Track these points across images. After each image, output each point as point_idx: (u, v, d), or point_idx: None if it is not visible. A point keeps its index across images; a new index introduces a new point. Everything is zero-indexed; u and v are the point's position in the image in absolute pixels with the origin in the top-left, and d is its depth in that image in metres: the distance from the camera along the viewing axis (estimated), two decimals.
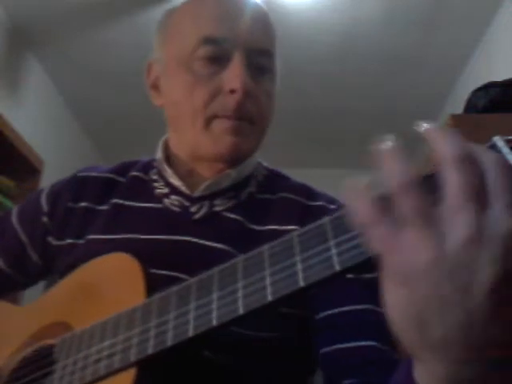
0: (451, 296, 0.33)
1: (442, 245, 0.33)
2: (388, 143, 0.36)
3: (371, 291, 0.60)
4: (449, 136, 0.35)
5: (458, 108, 1.78)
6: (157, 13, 2.31)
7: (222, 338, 0.59)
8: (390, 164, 0.36)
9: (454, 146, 0.35)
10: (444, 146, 0.35)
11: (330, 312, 0.63)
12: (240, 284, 0.45)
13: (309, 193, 0.76)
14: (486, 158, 0.35)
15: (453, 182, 0.34)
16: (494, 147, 0.36)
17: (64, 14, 2.40)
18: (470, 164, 0.34)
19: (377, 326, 0.60)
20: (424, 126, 0.37)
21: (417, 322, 0.34)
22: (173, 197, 0.74)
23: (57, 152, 2.95)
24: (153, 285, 0.57)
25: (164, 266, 0.63)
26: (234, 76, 0.68)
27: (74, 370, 0.56)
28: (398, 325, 0.35)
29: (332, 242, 0.40)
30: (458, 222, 0.33)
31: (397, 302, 0.35)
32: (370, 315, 0.62)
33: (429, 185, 0.36)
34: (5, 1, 2.36)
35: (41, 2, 2.34)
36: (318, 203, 0.73)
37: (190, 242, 0.69)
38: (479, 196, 0.33)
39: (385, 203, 0.36)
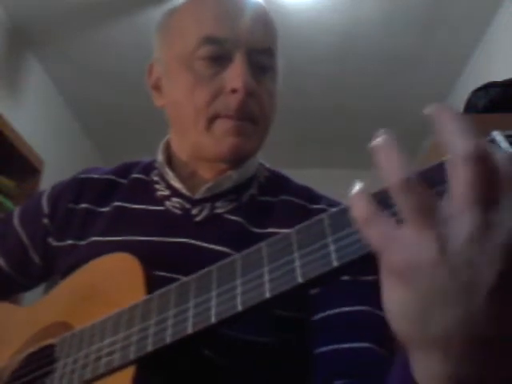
0: (454, 294, 0.32)
1: (445, 243, 0.32)
2: (385, 138, 0.35)
3: (368, 293, 0.60)
4: (462, 127, 0.33)
5: (458, 108, 1.78)
6: (157, 13, 2.31)
7: (221, 342, 0.59)
8: (387, 160, 0.34)
9: (466, 141, 0.33)
10: (455, 139, 0.33)
11: (326, 313, 0.63)
12: (239, 281, 0.45)
13: (310, 195, 0.75)
14: (501, 156, 0.33)
15: (461, 181, 0.32)
16: (492, 142, 0.36)
17: (64, 13, 2.40)
18: (482, 162, 0.32)
19: (373, 327, 0.60)
20: (434, 109, 0.35)
21: (418, 319, 0.33)
22: (174, 199, 0.74)
23: (57, 152, 2.95)
24: (154, 285, 0.57)
25: (165, 268, 0.63)
26: (235, 75, 0.68)
27: (75, 369, 0.56)
28: (397, 322, 0.35)
29: (330, 239, 0.40)
30: (462, 221, 0.32)
31: (397, 300, 0.34)
32: (367, 317, 0.62)
33: (430, 177, 0.35)
34: (5, 1, 2.36)
35: (41, 2, 2.34)
36: (319, 206, 0.73)
37: (191, 244, 0.69)
38: (487, 196, 0.32)
39: (384, 198, 0.36)
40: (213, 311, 0.46)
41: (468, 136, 0.33)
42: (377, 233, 0.34)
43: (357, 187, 0.36)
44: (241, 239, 0.68)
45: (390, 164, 0.34)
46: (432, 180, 0.35)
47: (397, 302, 0.34)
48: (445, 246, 0.32)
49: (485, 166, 0.32)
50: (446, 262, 0.32)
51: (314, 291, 0.64)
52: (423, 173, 0.35)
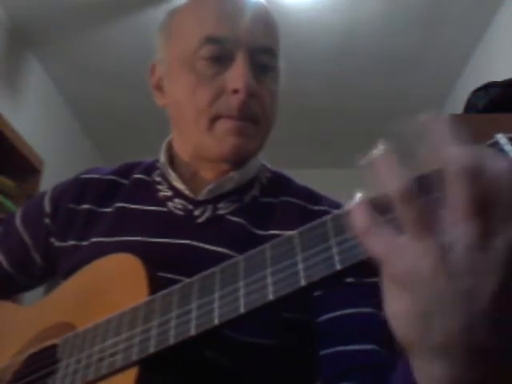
0: (454, 302, 0.33)
1: (445, 252, 0.33)
2: (383, 150, 0.35)
3: (372, 295, 0.60)
4: (456, 138, 0.33)
5: (458, 108, 1.78)
6: (157, 13, 2.31)
7: (224, 343, 0.59)
8: (386, 172, 0.35)
9: (462, 155, 0.32)
10: (450, 153, 0.33)
11: (331, 315, 0.63)
12: (241, 283, 0.45)
13: (312, 197, 0.75)
14: (498, 165, 0.33)
15: (458, 193, 0.33)
16: (496, 145, 0.36)
17: (64, 13, 2.40)
18: (478, 177, 0.32)
19: (377, 329, 0.60)
20: (427, 119, 0.35)
21: (419, 325, 0.34)
22: (176, 200, 0.74)
23: (57, 152, 2.95)
24: (156, 285, 0.57)
25: (167, 269, 0.63)
26: (237, 76, 0.67)
27: (77, 369, 0.56)
28: (399, 328, 0.35)
29: (333, 241, 0.40)
30: (461, 231, 0.33)
31: (398, 306, 0.35)
32: (370, 319, 0.62)
33: (427, 183, 0.35)
34: (5, 1, 2.36)
35: (41, 2, 2.34)
36: (321, 208, 0.73)
37: (193, 245, 0.69)
38: (484, 208, 0.32)
39: (384, 206, 0.36)
40: (216, 313, 0.46)
41: (463, 148, 0.33)
42: (377, 243, 0.35)
43: (357, 197, 0.37)
44: (243, 241, 0.68)
45: (389, 175, 0.34)
46: (430, 186, 0.35)
47: (398, 309, 0.35)
48: (445, 255, 0.33)
49: (481, 179, 0.32)
50: (445, 270, 0.33)
51: (317, 293, 0.64)
52: (421, 179, 0.36)
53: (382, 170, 0.35)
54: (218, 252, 0.67)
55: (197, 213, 0.72)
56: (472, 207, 0.32)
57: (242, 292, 0.44)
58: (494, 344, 0.33)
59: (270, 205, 0.74)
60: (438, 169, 0.35)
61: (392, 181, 0.34)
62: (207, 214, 0.72)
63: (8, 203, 2.35)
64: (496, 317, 0.33)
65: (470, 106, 1.61)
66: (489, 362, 0.34)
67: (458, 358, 0.34)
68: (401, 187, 0.34)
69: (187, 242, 0.69)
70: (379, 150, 0.36)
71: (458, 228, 0.33)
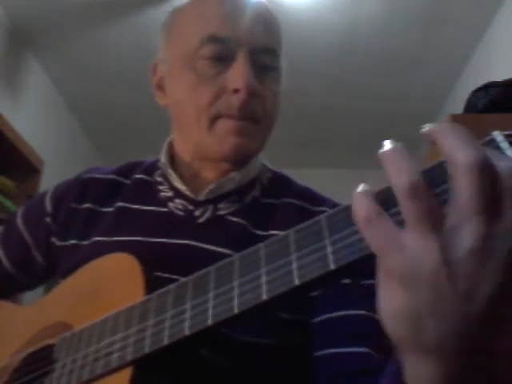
0: (451, 303, 0.32)
1: (448, 251, 0.32)
2: (393, 144, 0.35)
3: (368, 297, 0.60)
4: (464, 136, 0.33)
5: (458, 108, 1.78)
6: (157, 13, 2.31)
7: (221, 343, 0.59)
8: (396, 165, 0.34)
9: (470, 151, 0.32)
10: (457, 149, 0.33)
11: (326, 316, 0.63)
12: (236, 283, 0.45)
13: (313, 197, 0.75)
14: (504, 165, 0.33)
15: (464, 191, 0.32)
16: (492, 142, 0.35)
17: (64, 14, 2.40)
18: (485, 173, 0.32)
19: (371, 332, 0.59)
20: (431, 127, 0.35)
21: (412, 324, 0.33)
22: (177, 200, 0.74)
23: (57, 152, 2.95)
24: (153, 285, 0.57)
25: (167, 269, 0.63)
26: (237, 75, 0.67)
27: (73, 369, 0.57)
28: (391, 326, 0.35)
29: (327, 241, 0.39)
30: (466, 230, 0.32)
31: (393, 303, 0.34)
32: (366, 321, 0.62)
33: (430, 177, 0.34)
34: (5, 1, 2.36)
35: (41, 2, 2.34)
36: (321, 208, 0.72)
37: (193, 246, 0.69)
38: (491, 207, 0.32)
39: (386, 199, 0.35)
40: (210, 313, 0.46)
41: (471, 145, 0.32)
42: (378, 234, 0.34)
43: (360, 186, 0.36)
44: (243, 241, 0.68)
45: (399, 169, 0.34)
46: (433, 181, 0.35)
47: (392, 306, 0.34)
48: (447, 256, 0.32)
49: (489, 176, 0.32)
50: (446, 269, 0.32)
51: (314, 293, 0.64)
52: (426, 174, 0.35)
53: (390, 164, 0.34)
54: (219, 252, 0.67)
55: (197, 213, 0.72)
56: (476, 205, 0.32)
57: (236, 292, 0.44)
58: (487, 347, 0.33)
59: (271, 205, 0.74)
60: (442, 164, 0.35)
61: (400, 175, 0.33)
62: (208, 215, 0.72)
63: (8, 203, 2.35)
64: (492, 322, 0.32)
65: (470, 106, 1.61)
66: (480, 364, 0.33)
67: (449, 360, 0.33)
68: (409, 182, 0.33)
69: (187, 242, 0.69)
70: (388, 145, 0.35)
71: (462, 227, 0.32)
